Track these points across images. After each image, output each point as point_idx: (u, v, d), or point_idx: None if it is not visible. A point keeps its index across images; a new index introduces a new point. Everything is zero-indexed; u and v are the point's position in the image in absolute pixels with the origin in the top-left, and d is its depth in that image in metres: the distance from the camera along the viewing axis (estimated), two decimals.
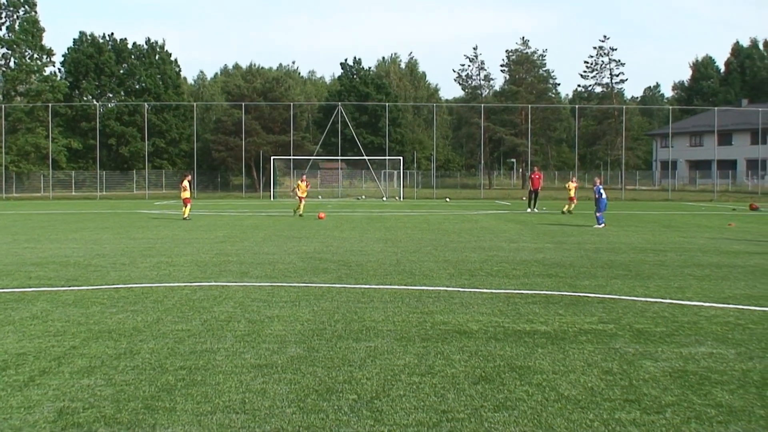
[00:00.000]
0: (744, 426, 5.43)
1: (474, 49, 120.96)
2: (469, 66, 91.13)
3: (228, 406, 5.80)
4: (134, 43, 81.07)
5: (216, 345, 7.78)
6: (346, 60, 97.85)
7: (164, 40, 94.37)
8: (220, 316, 9.33)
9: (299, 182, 33.48)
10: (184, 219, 29.00)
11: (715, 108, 75.71)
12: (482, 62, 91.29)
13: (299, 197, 32.37)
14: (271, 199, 51.77)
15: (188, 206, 29.85)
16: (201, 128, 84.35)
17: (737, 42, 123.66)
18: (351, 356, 7.33)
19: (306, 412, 5.66)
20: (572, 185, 34.96)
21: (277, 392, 6.13)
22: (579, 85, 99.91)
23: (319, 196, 57.29)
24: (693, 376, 6.72)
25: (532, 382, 6.48)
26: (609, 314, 9.59)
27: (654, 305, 10.30)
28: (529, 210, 37.94)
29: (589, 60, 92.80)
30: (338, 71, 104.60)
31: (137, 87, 78.95)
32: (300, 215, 31.07)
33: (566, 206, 34.89)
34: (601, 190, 26.15)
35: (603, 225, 25.51)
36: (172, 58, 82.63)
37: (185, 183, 30.25)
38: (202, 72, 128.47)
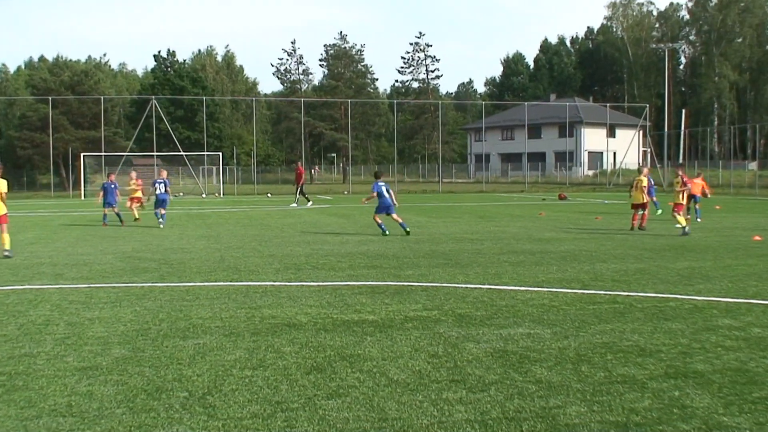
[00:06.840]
0: (563, 399, 5.78)
1: (292, 43, 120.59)
2: (287, 60, 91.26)
3: (54, 409, 5.56)
4: None
5: (35, 349, 7.42)
6: (159, 52, 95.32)
7: None
8: (37, 319, 8.87)
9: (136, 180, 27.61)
10: None
11: (525, 103, 79.59)
12: (301, 56, 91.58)
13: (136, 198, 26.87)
14: (82, 198, 49.42)
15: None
16: (5, 125, 79.42)
17: (545, 39, 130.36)
18: (179, 354, 7.19)
19: (136, 411, 5.51)
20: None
21: (105, 394, 5.94)
22: (396, 81, 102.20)
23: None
24: (513, 355, 7.08)
25: (363, 369, 6.62)
26: (432, 301, 9.93)
27: (474, 291, 10.75)
28: (293, 205, 36.79)
29: (406, 56, 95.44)
30: (151, 64, 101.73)
31: None
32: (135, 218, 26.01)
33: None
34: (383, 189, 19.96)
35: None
36: None
37: None
38: (4, 65, 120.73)
